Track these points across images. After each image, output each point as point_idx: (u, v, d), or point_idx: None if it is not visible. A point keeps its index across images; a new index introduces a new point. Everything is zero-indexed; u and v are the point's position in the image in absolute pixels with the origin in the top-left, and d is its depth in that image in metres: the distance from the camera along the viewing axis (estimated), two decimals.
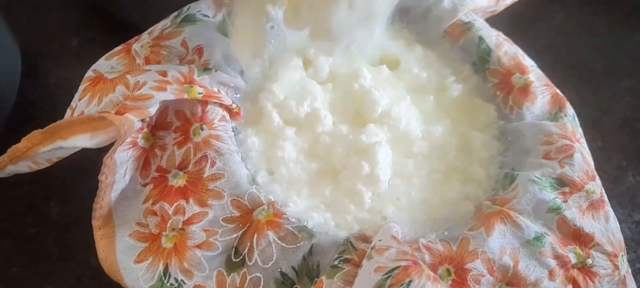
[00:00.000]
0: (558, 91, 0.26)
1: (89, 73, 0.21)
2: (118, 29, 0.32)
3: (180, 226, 0.19)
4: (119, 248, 0.19)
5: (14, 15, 0.31)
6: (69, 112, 0.21)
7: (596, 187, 0.22)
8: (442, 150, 0.24)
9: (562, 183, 0.22)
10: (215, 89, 0.22)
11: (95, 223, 0.20)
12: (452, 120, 0.26)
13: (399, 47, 0.27)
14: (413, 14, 0.28)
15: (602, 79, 0.37)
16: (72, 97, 0.21)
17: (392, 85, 0.26)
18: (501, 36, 0.27)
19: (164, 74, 0.20)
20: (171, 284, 0.19)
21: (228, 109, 0.22)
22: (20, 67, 0.30)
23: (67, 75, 0.32)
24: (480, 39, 0.27)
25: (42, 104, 0.31)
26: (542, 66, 0.28)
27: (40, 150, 0.19)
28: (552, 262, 0.20)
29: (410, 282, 0.17)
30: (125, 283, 0.19)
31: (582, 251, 0.21)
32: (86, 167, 0.24)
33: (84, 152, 0.20)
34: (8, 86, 0.29)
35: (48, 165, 0.20)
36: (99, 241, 0.20)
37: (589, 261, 0.21)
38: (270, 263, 0.19)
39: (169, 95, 0.20)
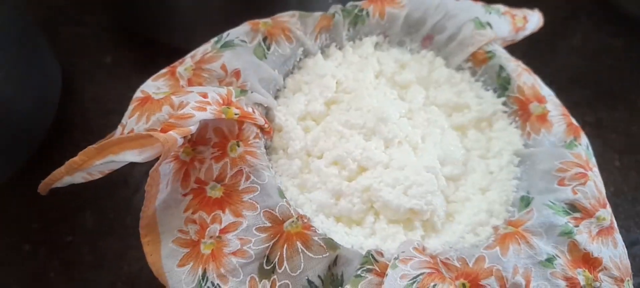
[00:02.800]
0: (573, 121, 0.27)
1: (138, 93, 0.23)
2: (147, 49, 0.34)
3: (217, 234, 0.21)
4: (163, 253, 0.21)
5: (54, 35, 0.33)
6: (119, 128, 0.23)
7: (607, 214, 0.24)
8: (465, 170, 0.26)
9: (574, 208, 0.24)
10: (250, 110, 0.24)
11: (142, 230, 0.22)
12: (475, 142, 0.27)
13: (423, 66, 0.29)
14: (436, 41, 0.30)
15: (619, 99, 0.38)
16: (105, 110, 0.22)
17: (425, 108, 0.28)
18: (521, 66, 0.29)
19: (205, 96, 0.22)
20: (208, 287, 0.20)
21: (261, 127, 0.24)
22: (61, 84, 0.32)
23: (101, 90, 0.34)
24: (501, 67, 0.28)
25: (77, 117, 0.33)
26: (559, 87, 0.29)
27: (94, 163, 0.21)
28: (562, 283, 0.22)
29: (435, 285, 0.19)
30: (169, 285, 0.21)
31: (591, 274, 0.22)
32: (118, 180, 0.25)
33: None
34: (50, 101, 0.31)
35: (100, 176, 0.23)
36: (145, 247, 0.22)
37: (597, 284, 0.22)
38: (298, 271, 0.21)
39: (208, 115, 0.22)
